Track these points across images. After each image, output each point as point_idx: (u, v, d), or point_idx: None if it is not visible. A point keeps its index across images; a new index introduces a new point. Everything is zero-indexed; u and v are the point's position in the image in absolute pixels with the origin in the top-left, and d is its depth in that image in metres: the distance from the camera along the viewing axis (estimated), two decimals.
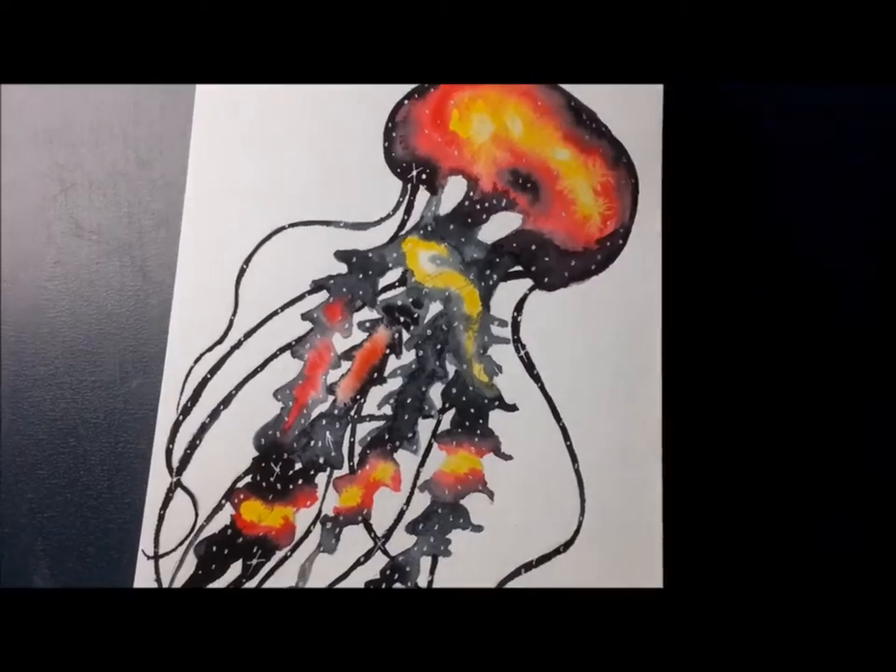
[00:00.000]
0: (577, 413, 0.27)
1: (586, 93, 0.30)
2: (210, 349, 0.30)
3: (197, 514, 0.29)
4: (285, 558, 0.28)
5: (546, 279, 0.29)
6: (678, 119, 0.29)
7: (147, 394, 0.29)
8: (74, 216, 0.29)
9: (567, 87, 0.30)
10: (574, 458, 0.27)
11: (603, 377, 0.27)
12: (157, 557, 0.28)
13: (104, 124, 0.30)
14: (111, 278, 0.30)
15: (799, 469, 0.27)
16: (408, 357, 0.29)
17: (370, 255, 0.30)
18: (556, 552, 0.26)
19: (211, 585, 0.28)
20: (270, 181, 0.30)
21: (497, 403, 0.28)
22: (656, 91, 0.29)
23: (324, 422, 0.29)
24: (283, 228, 0.31)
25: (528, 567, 0.27)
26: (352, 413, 0.29)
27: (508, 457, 0.27)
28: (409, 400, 0.29)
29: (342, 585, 0.28)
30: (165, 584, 0.28)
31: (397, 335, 0.29)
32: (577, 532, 0.26)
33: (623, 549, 0.26)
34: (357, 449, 0.29)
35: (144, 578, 0.28)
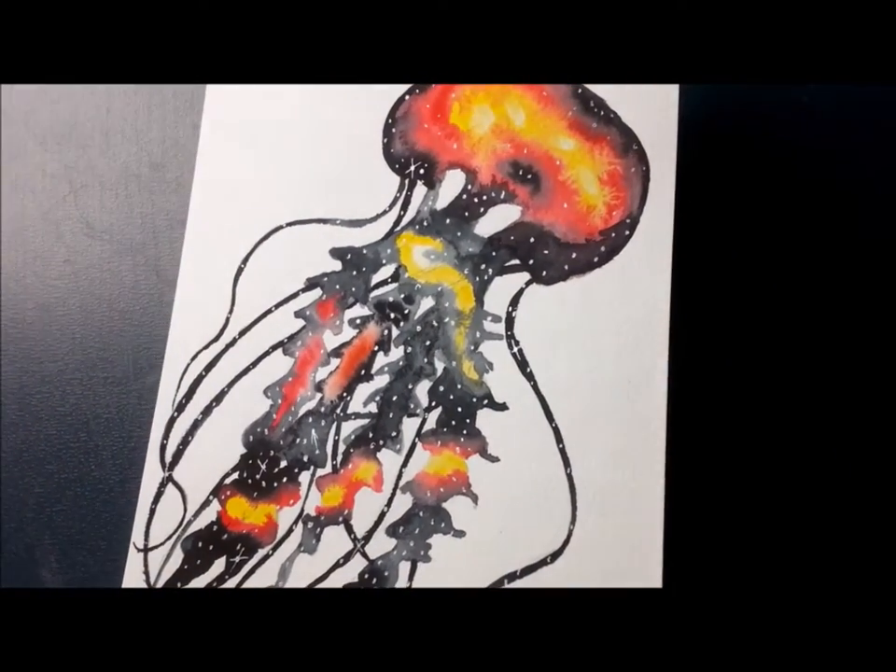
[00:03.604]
0: (571, 413, 0.26)
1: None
2: (206, 347, 0.31)
3: (185, 509, 0.30)
4: (266, 557, 0.29)
5: (544, 272, 0.28)
6: (694, 109, 0.28)
7: None
8: (85, 216, 0.31)
9: None
10: (566, 462, 0.26)
11: (602, 376, 0.26)
12: (146, 550, 0.29)
13: (115, 126, 0.32)
14: (123, 277, 0.31)
15: (803, 472, 0.25)
16: (396, 353, 0.29)
17: (364, 251, 0.31)
18: (543, 562, 0.25)
19: (194, 581, 0.29)
20: (270, 181, 0.32)
21: (485, 402, 0.27)
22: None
23: (310, 419, 0.30)
24: (280, 227, 0.32)
25: (512, 577, 0.26)
26: (338, 410, 0.29)
27: (495, 459, 0.27)
28: (395, 398, 0.29)
29: (320, 587, 0.28)
30: (153, 577, 0.29)
31: (386, 332, 0.29)
32: (566, 542, 0.25)
33: (619, 561, 0.25)
34: (342, 447, 0.29)
35: (133, 571, 0.29)
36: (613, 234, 0.29)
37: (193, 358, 0.32)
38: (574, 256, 0.29)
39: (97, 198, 0.31)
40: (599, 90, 0.30)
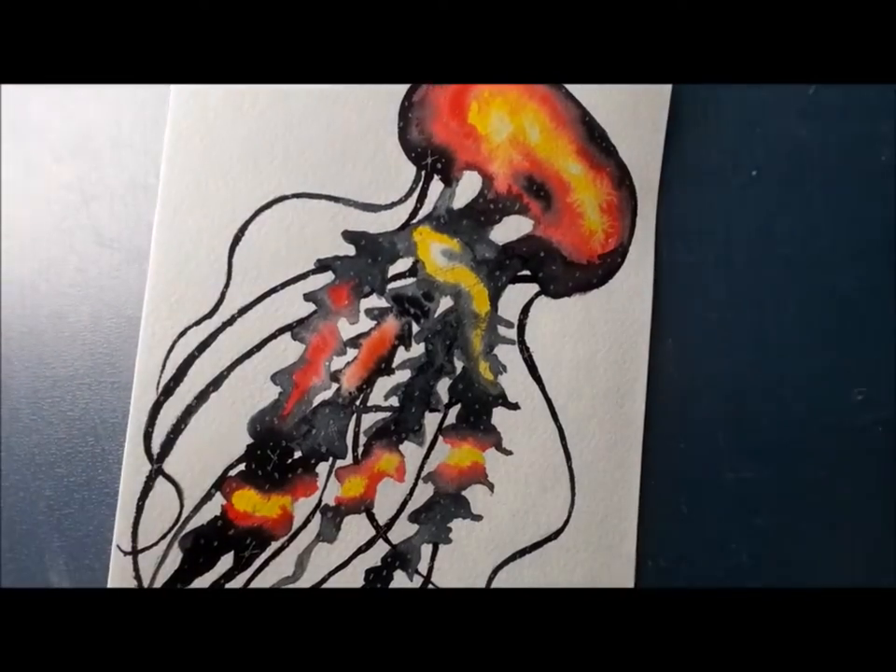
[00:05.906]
0: (573, 415, 0.32)
1: (599, 112, 0.33)
2: (197, 323, 0.29)
3: (182, 505, 0.29)
4: (282, 548, 0.29)
5: (552, 286, 0.32)
6: (679, 146, 0.34)
7: None
8: (95, 226, 0.31)
9: (582, 98, 0.33)
10: (568, 456, 0.31)
11: (597, 385, 0.32)
12: (135, 553, 0.28)
13: (125, 139, 0.31)
14: (132, 284, 0.31)
15: (779, 473, 0.34)
16: (416, 349, 0.31)
17: (380, 239, 0.31)
18: (549, 538, 0.31)
19: (197, 581, 0.28)
20: (272, 146, 0.30)
21: (500, 401, 0.31)
22: (661, 117, 0.33)
23: (327, 410, 0.30)
24: (285, 197, 0.30)
25: (523, 552, 0.31)
26: (357, 402, 0.30)
27: (509, 452, 0.31)
28: (416, 393, 0.31)
29: (341, 574, 0.30)
30: (146, 581, 0.28)
31: (406, 326, 0.31)
32: (567, 521, 0.31)
33: (606, 535, 0.32)
34: (363, 439, 0.30)
35: (120, 575, 0.27)
36: (609, 259, 0.34)
37: (181, 335, 0.30)
38: (577, 275, 0.34)
39: (107, 208, 0.31)
40: (601, 121, 0.35)
